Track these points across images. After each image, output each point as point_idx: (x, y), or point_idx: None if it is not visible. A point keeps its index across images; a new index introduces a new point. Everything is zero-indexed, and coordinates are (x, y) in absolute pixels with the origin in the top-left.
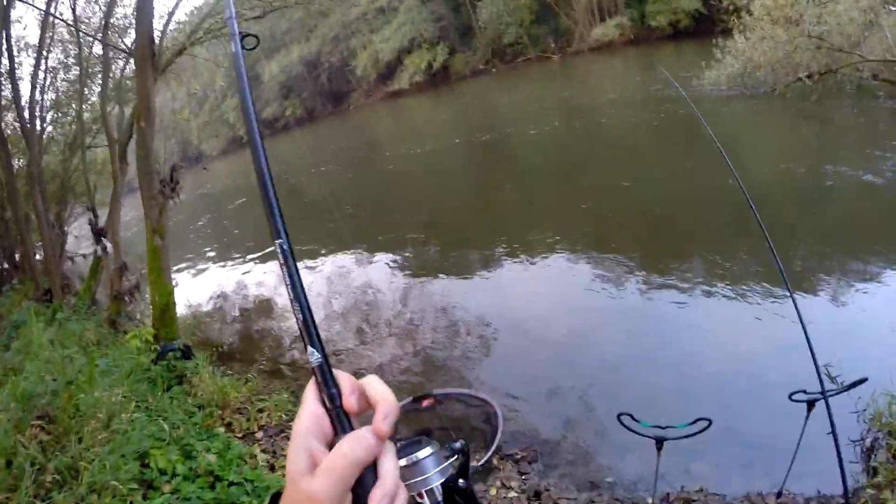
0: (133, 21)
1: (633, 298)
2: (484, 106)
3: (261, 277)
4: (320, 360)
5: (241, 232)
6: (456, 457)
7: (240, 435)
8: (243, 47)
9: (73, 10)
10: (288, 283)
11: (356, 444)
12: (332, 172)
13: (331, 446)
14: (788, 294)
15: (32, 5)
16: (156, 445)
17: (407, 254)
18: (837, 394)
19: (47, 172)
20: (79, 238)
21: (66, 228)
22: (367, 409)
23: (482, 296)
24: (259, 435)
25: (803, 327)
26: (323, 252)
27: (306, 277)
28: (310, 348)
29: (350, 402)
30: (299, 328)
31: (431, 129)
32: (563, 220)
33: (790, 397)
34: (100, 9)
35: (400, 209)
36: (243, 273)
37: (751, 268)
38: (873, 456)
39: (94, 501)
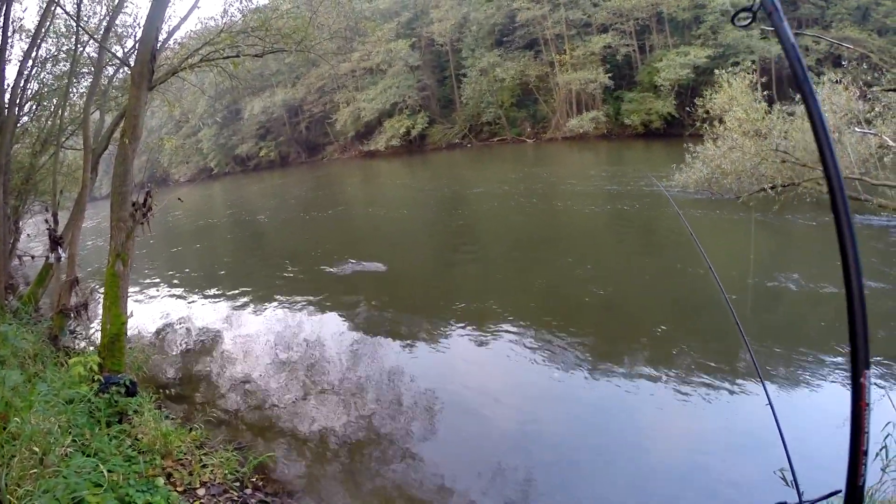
0: (134, 31)
1: (585, 385)
2: (454, 178)
3: (213, 319)
4: None
5: (196, 268)
6: None
7: (180, 489)
8: None
9: (78, 5)
10: None
11: None
12: (296, 221)
13: None
14: (758, 391)
15: None
16: (92, 491)
17: (360, 313)
18: None
19: (14, 163)
20: (31, 237)
21: (20, 224)
22: None
23: (431, 366)
24: (201, 492)
25: (780, 430)
26: (275, 299)
27: (255, 323)
28: None
29: None
30: None
31: (399, 194)
32: (518, 297)
33: None
34: (105, 11)
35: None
36: (195, 312)
37: (710, 361)
38: None
39: None
